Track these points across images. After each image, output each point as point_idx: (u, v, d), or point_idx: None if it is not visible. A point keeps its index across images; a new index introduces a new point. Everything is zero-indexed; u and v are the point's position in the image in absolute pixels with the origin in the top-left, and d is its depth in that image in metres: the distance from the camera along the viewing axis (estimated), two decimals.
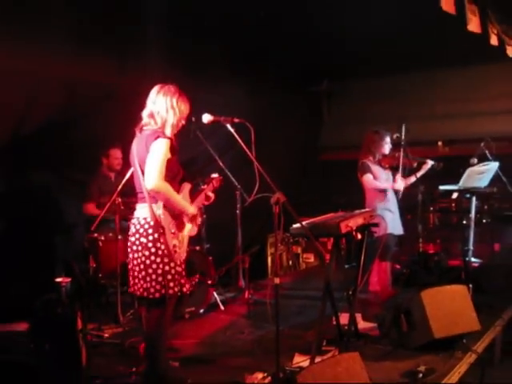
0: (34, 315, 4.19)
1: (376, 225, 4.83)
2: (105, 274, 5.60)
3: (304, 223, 4.10)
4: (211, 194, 4.14)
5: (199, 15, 6.10)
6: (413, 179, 5.98)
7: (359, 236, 4.43)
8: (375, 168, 5.88)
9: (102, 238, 5.61)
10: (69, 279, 4.82)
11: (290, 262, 8.26)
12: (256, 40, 6.78)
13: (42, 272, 5.57)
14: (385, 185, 5.84)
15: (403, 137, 5.77)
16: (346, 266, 6.18)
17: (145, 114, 3.71)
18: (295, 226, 4.19)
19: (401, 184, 5.81)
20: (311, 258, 8.39)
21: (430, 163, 6.00)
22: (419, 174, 5.97)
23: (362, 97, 9.24)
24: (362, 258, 4.66)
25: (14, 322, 4.68)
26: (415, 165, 5.97)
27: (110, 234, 5.56)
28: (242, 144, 3.68)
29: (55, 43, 5.37)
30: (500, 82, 8.11)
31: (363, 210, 4.92)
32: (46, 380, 3.70)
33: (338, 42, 7.10)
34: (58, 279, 4.75)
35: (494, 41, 5.75)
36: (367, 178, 5.81)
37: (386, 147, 5.93)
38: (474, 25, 5.19)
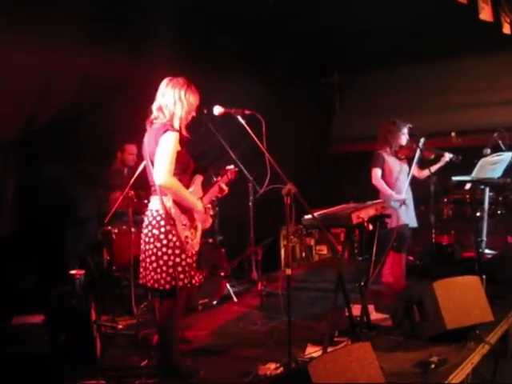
0: (49, 307, 4.25)
1: (388, 216, 4.82)
2: (118, 267, 5.65)
3: (315, 214, 4.10)
4: (225, 187, 4.13)
5: (210, 7, 6.09)
6: (427, 173, 5.92)
7: (371, 227, 4.42)
8: (390, 159, 5.83)
9: (116, 231, 5.66)
10: (83, 271, 4.86)
11: (303, 254, 8.27)
12: (267, 33, 6.77)
13: (57, 265, 5.62)
14: (388, 191, 5.73)
15: (420, 146, 5.69)
16: (360, 258, 6.17)
17: (154, 107, 3.72)
18: (306, 217, 4.20)
19: (402, 196, 5.73)
20: (324, 250, 8.37)
21: (448, 156, 5.90)
22: (435, 168, 5.88)
23: (373, 89, 9.16)
24: (374, 249, 4.65)
25: (29, 314, 4.74)
26: (432, 157, 5.90)
27: (124, 227, 5.61)
28: (253, 136, 3.69)
29: (66, 37, 5.39)
30: None
31: (375, 201, 4.89)
32: (61, 371, 3.75)
33: (348, 34, 7.06)
34: (72, 272, 4.79)
35: (506, 29, 5.71)
36: (374, 173, 5.77)
37: (403, 138, 5.87)
38: (486, 14, 5.17)
